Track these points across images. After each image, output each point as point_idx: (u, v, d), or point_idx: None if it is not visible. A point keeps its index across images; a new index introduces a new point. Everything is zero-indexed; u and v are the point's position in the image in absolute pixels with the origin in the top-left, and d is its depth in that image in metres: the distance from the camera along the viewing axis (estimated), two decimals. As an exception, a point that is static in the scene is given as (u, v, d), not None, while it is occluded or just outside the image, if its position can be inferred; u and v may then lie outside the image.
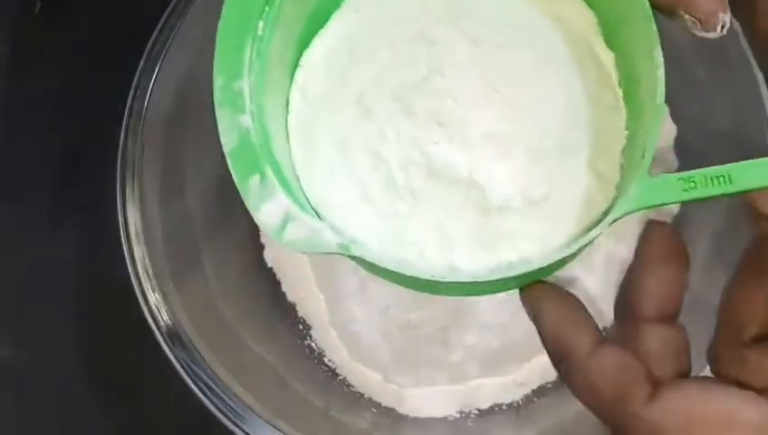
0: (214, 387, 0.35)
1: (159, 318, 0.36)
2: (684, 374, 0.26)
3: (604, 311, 0.42)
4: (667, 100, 0.43)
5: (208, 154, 0.40)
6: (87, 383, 0.44)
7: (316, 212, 0.27)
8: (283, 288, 0.44)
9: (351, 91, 0.27)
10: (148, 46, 0.36)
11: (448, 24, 0.28)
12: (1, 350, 0.44)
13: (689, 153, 0.42)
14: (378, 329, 0.42)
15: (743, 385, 0.25)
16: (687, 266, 0.27)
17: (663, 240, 0.27)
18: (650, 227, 0.28)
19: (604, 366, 0.25)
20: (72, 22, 0.46)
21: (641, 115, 0.26)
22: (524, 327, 0.42)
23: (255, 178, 0.26)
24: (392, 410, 0.42)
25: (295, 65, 0.28)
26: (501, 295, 0.42)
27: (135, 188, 0.36)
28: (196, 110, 0.39)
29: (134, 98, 0.36)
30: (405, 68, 0.27)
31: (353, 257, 0.26)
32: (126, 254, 0.36)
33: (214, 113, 0.40)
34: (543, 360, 0.42)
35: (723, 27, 0.25)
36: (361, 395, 0.42)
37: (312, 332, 0.44)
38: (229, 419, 0.35)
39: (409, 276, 0.25)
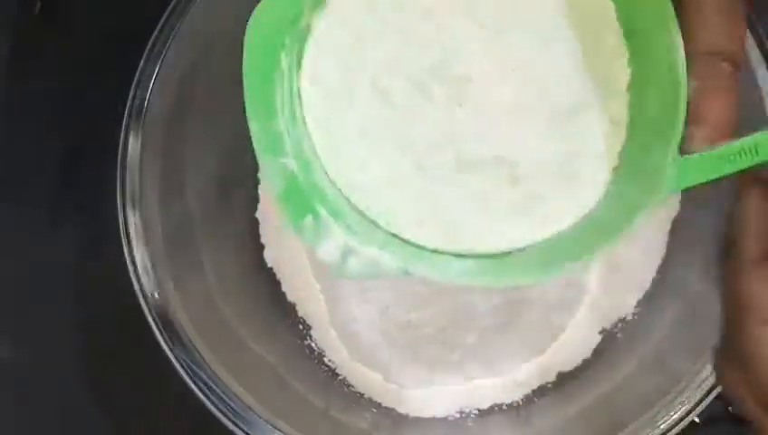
0: (214, 387, 0.35)
1: (159, 318, 0.36)
2: None
3: (605, 308, 0.43)
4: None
5: (208, 154, 0.40)
6: (87, 383, 0.44)
7: (348, 200, 0.27)
8: (283, 288, 0.44)
9: (365, 75, 0.27)
10: (148, 46, 0.36)
11: (450, 4, 0.28)
12: (1, 350, 0.44)
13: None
14: (378, 329, 0.42)
15: None
16: None
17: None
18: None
19: None
20: (72, 22, 0.46)
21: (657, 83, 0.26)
22: (524, 327, 0.42)
23: (309, 219, 0.26)
24: (392, 410, 0.42)
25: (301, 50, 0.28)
26: (502, 296, 0.42)
27: (135, 188, 0.36)
28: (196, 110, 0.39)
29: (134, 98, 0.36)
30: (417, 51, 0.28)
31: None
32: (126, 254, 0.36)
33: (214, 113, 0.40)
34: (543, 360, 0.42)
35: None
36: (361, 395, 0.42)
37: (311, 332, 0.44)
38: (229, 419, 0.35)
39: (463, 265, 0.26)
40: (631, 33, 0.27)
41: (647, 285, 0.42)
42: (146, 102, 0.36)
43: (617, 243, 0.27)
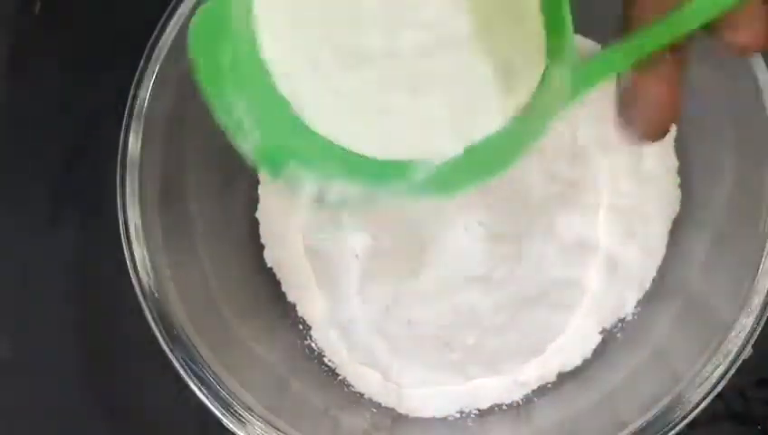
0: (214, 387, 0.35)
1: (159, 318, 0.36)
2: None
3: (605, 308, 0.43)
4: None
5: (208, 154, 0.40)
6: (87, 383, 0.44)
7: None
8: (283, 288, 0.44)
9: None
10: (148, 46, 0.36)
11: None
12: (1, 350, 0.44)
13: (689, 153, 0.42)
14: (378, 329, 0.42)
15: None
16: None
17: None
18: None
19: None
20: (72, 22, 0.46)
21: None
22: (524, 327, 0.42)
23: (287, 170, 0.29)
24: (392, 409, 0.42)
25: None
26: (501, 297, 0.42)
27: (135, 188, 0.36)
28: (196, 110, 0.39)
29: (134, 98, 0.36)
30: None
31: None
32: (126, 254, 0.36)
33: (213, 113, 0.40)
34: (543, 360, 0.42)
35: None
36: (361, 395, 0.42)
37: (311, 332, 0.44)
38: (229, 419, 0.35)
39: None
40: None
41: (647, 285, 0.42)
42: (146, 102, 0.36)
43: (525, 153, 0.27)
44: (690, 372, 0.35)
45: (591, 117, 0.43)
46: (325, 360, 0.43)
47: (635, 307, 0.42)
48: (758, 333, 0.34)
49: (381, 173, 0.27)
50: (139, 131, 0.36)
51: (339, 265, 0.43)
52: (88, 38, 0.46)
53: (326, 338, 0.43)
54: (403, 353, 0.42)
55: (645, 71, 0.25)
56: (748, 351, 0.34)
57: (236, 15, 0.27)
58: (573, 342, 0.42)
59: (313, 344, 0.43)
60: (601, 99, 0.43)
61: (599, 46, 0.41)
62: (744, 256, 0.36)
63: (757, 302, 0.35)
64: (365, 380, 0.43)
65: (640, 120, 0.26)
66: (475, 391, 0.42)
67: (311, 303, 0.44)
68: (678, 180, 0.42)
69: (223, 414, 0.35)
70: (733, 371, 0.34)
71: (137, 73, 0.36)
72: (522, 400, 0.42)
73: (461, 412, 0.42)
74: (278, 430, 0.36)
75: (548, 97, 0.27)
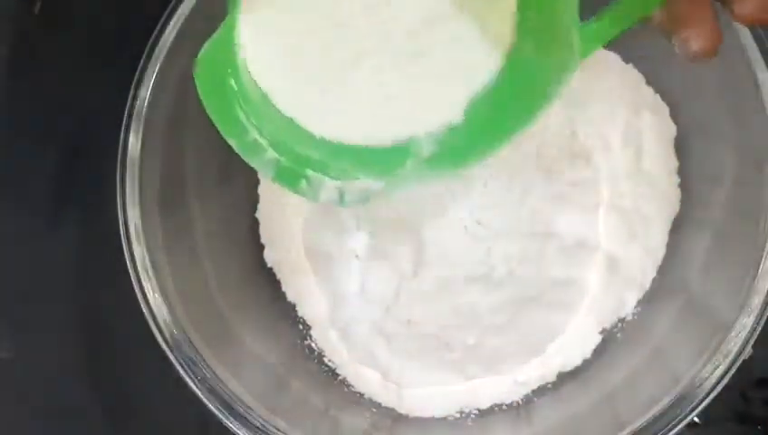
0: (214, 387, 0.35)
1: (159, 318, 0.36)
2: None
3: (605, 308, 0.43)
4: (667, 100, 0.43)
5: (208, 154, 0.40)
6: (87, 383, 0.44)
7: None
8: (283, 288, 0.44)
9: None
10: (148, 46, 0.36)
11: None
12: (1, 350, 0.44)
13: (689, 153, 0.42)
14: (378, 329, 0.42)
15: None
16: None
17: None
18: None
19: None
20: (72, 22, 0.46)
21: None
22: (524, 327, 0.42)
23: (303, 183, 0.30)
24: (392, 410, 0.42)
25: None
26: (500, 297, 0.42)
27: (135, 188, 0.36)
28: (196, 110, 0.39)
29: (134, 98, 0.36)
30: None
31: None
32: (126, 254, 0.36)
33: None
34: (543, 360, 0.42)
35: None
36: (361, 395, 0.42)
37: (311, 332, 0.44)
38: (229, 419, 0.35)
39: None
40: None
41: (647, 285, 0.42)
42: (146, 102, 0.36)
43: (535, 120, 0.28)
44: (690, 372, 0.35)
45: (591, 117, 0.43)
46: (325, 360, 0.43)
47: (635, 307, 0.42)
48: (758, 333, 0.34)
49: (392, 158, 0.28)
50: (138, 131, 0.36)
51: (339, 265, 0.43)
52: (88, 38, 0.46)
53: (326, 338, 0.43)
54: (403, 353, 0.42)
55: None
56: (748, 351, 0.34)
57: (237, 45, 0.29)
58: (573, 342, 0.42)
59: (313, 344, 0.43)
60: (601, 99, 0.43)
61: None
62: (744, 256, 0.36)
63: (757, 302, 0.35)
64: (365, 380, 0.43)
65: (695, 40, 0.27)
66: (475, 390, 0.42)
67: (311, 303, 0.44)
68: (678, 180, 0.42)
69: (223, 414, 0.35)
70: (733, 371, 0.34)
71: (137, 73, 0.36)
72: (522, 400, 0.42)
73: (461, 412, 0.42)
74: (278, 430, 0.36)
75: (562, 53, 0.28)
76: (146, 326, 0.36)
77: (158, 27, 0.36)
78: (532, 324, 0.42)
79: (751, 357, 0.35)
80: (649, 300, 0.42)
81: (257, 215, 0.44)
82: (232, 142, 0.31)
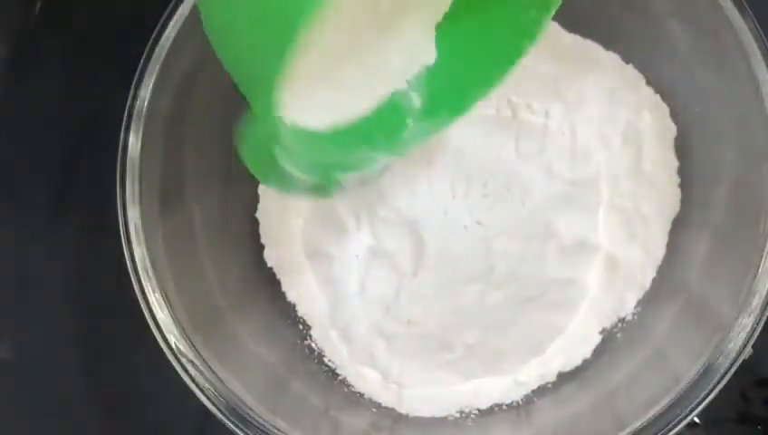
0: (214, 387, 0.35)
1: (159, 318, 0.36)
2: None
3: (605, 308, 0.43)
4: (668, 100, 0.43)
5: (208, 154, 0.40)
6: (87, 383, 0.44)
7: None
8: (283, 288, 0.44)
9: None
10: (148, 46, 0.36)
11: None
12: (1, 350, 0.44)
13: (689, 153, 0.42)
14: (378, 329, 0.42)
15: None
16: None
17: None
18: None
19: None
20: (72, 22, 0.46)
21: None
22: (524, 327, 0.42)
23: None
24: (392, 410, 0.42)
25: None
26: (501, 297, 0.42)
27: (135, 188, 0.36)
28: (196, 110, 0.39)
29: (134, 98, 0.36)
30: None
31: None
32: (126, 254, 0.36)
33: (214, 113, 0.40)
34: (543, 360, 0.42)
35: None
36: (361, 395, 0.42)
37: (311, 332, 0.44)
38: (229, 419, 0.35)
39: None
40: None
41: (647, 285, 0.42)
42: (146, 102, 0.36)
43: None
44: (690, 372, 0.35)
45: (591, 117, 0.43)
46: (325, 360, 0.43)
47: (635, 307, 0.42)
48: (758, 333, 0.34)
49: (393, 122, 0.30)
50: (138, 131, 0.36)
51: (339, 265, 0.43)
52: (88, 38, 0.46)
53: (326, 338, 0.43)
54: (403, 353, 0.42)
55: None
56: (748, 351, 0.34)
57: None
58: (573, 342, 0.42)
59: (313, 344, 0.43)
60: (601, 99, 0.43)
61: (584, 41, 0.41)
62: (744, 256, 0.36)
63: (757, 302, 0.35)
64: (365, 380, 0.43)
65: None
66: (475, 390, 0.42)
67: (311, 303, 0.44)
68: (678, 180, 0.42)
69: (223, 414, 0.35)
70: (733, 371, 0.34)
71: (137, 73, 0.36)
72: (522, 400, 0.42)
73: (461, 412, 0.42)
74: (278, 430, 0.36)
75: None
76: (146, 326, 0.36)
77: (158, 27, 0.36)
78: (532, 324, 0.42)
79: (751, 357, 0.35)
80: (649, 300, 0.42)
81: (257, 215, 0.44)
82: (272, 186, 0.33)
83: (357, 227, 0.43)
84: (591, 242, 0.42)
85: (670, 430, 0.35)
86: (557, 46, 0.42)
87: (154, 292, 0.36)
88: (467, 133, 0.42)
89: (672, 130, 0.42)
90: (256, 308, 0.42)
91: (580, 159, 0.43)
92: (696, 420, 0.36)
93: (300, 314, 0.44)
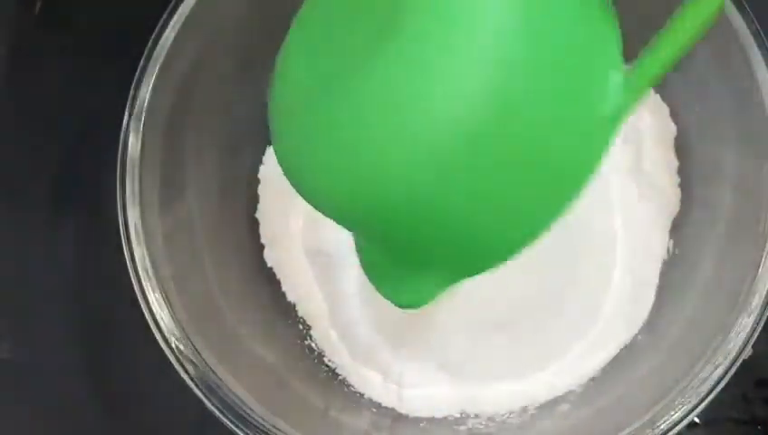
0: (214, 387, 0.35)
1: (159, 318, 0.36)
2: None
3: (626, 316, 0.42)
4: (667, 100, 0.43)
5: (208, 154, 0.40)
6: (87, 383, 0.44)
7: None
8: (283, 288, 0.44)
9: None
10: (148, 46, 0.36)
11: None
12: (1, 350, 0.44)
13: (689, 153, 0.42)
14: (378, 329, 0.42)
15: None
16: None
17: None
18: None
19: None
20: (72, 22, 0.46)
21: None
22: (526, 332, 0.42)
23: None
24: (392, 410, 0.42)
25: None
26: (504, 300, 0.42)
27: (135, 188, 0.36)
28: (196, 110, 0.39)
29: (134, 98, 0.36)
30: None
31: None
32: (126, 254, 0.36)
33: (214, 113, 0.40)
34: (545, 364, 0.42)
35: None
36: (361, 395, 0.42)
37: (312, 332, 0.44)
38: (229, 419, 0.35)
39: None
40: None
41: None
42: (146, 102, 0.36)
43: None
44: (690, 372, 0.35)
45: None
46: (325, 360, 0.43)
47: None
48: (758, 333, 0.34)
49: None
50: (139, 131, 0.36)
51: (339, 265, 0.43)
52: (88, 38, 0.46)
53: (326, 338, 0.43)
54: (403, 354, 0.42)
55: None
56: (748, 351, 0.34)
57: None
58: (582, 353, 0.42)
59: (313, 344, 0.43)
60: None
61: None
62: (744, 255, 0.36)
63: (757, 302, 0.35)
64: (365, 380, 0.43)
65: None
66: (476, 391, 0.42)
67: (311, 303, 0.44)
68: (678, 180, 0.42)
69: (223, 414, 0.35)
70: (733, 371, 0.34)
71: (137, 73, 0.36)
72: (522, 405, 0.42)
73: (462, 413, 0.42)
74: (278, 429, 0.36)
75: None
76: (146, 326, 0.36)
77: (158, 27, 0.36)
78: (535, 329, 0.42)
79: (751, 357, 0.35)
80: (649, 300, 0.42)
81: (257, 215, 0.44)
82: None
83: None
84: (591, 243, 0.42)
85: (670, 429, 0.35)
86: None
87: (154, 292, 0.36)
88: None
89: (672, 130, 0.42)
90: (256, 308, 0.42)
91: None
92: (696, 420, 0.36)
93: (300, 314, 0.44)
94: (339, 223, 0.29)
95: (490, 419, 0.42)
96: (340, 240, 0.43)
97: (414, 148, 0.24)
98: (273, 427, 0.36)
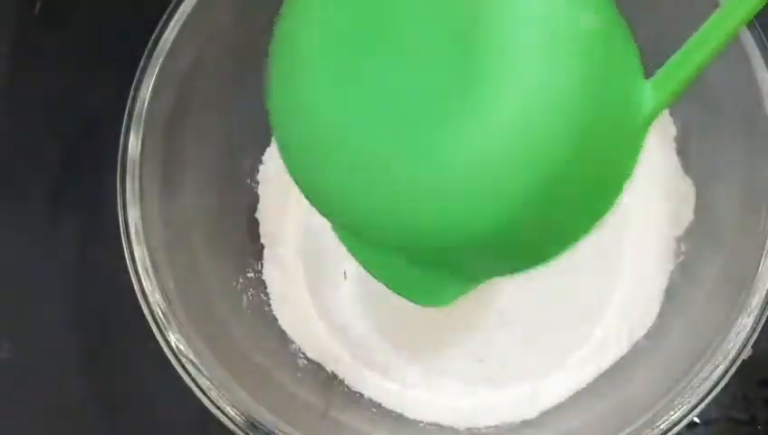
0: (214, 387, 0.35)
1: (159, 318, 0.36)
2: None
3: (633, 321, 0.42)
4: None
5: (208, 154, 0.40)
6: (87, 383, 0.44)
7: None
8: (284, 288, 0.44)
9: None
10: (149, 46, 0.36)
11: None
12: (1, 350, 0.44)
13: (689, 153, 0.42)
14: (377, 329, 0.42)
15: None
16: None
17: None
18: None
19: None
20: (72, 22, 0.46)
21: None
22: (528, 335, 0.42)
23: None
24: (392, 410, 0.42)
25: None
26: (506, 302, 0.42)
27: (135, 188, 0.36)
28: (196, 110, 0.39)
29: (134, 98, 0.36)
30: None
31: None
32: (126, 254, 0.36)
33: (214, 113, 0.40)
34: (547, 368, 0.42)
35: None
36: (361, 395, 0.42)
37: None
38: (229, 419, 0.35)
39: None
40: None
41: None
42: (146, 102, 0.36)
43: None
44: (690, 373, 0.35)
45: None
46: (325, 360, 0.43)
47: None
48: (758, 333, 0.34)
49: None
50: (139, 131, 0.36)
51: (338, 264, 0.43)
52: (88, 38, 0.46)
53: (326, 338, 0.43)
54: (403, 354, 0.42)
55: None
56: (748, 351, 0.34)
57: None
58: (587, 358, 0.42)
59: (314, 344, 0.43)
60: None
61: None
62: (744, 255, 0.36)
63: (757, 302, 0.35)
64: (365, 380, 0.43)
65: None
66: (476, 391, 0.42)
67: (310, 302, 0.44)
68: (690, 181, 0.42)
69: (223, 414, 0.35)
70: (733, 371, 0.34)
71: (137, 73, 0.36)
72: (524, 402, 0.42)
73: (462, 413, 0.42)
74: (278, 429, 0.36)
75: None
76: (146, 326, 0.36)
77: (158, 27, 0.36)
78: (538, 332, 0.42)
79: (751, 357, 0.35)
80: (649, 300, 0.42)
81: (257, 215, 0.44)
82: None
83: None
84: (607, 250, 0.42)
85: (670, 429, 0.35)
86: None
87: (154, 292, 0.36)
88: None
89: (672, 130, 0.42)
90: (256, 308, 0.42)
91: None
92: (696, 420, 0.36)
93: (300, 313, 0.44)
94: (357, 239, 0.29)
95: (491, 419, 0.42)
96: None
97: (497, 205, 0.24)
98: (273, 427, 0.36)
